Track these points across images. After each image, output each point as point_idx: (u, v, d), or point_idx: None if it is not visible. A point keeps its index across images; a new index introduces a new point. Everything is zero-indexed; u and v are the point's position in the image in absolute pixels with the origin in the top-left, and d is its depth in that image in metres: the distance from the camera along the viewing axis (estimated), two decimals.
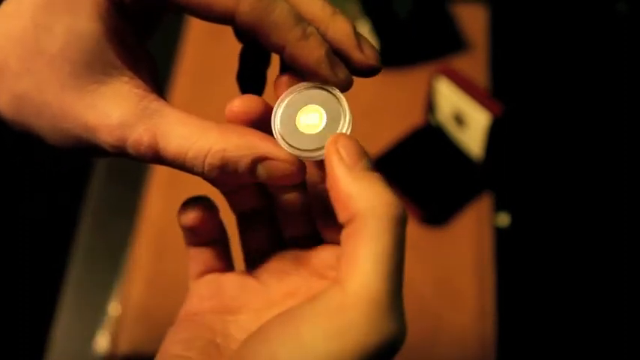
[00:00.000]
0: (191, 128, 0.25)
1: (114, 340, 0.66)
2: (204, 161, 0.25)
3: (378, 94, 0.78)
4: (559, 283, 0.70)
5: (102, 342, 0.66)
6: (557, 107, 0.82)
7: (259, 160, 0.25)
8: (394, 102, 0.79)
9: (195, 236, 0.31)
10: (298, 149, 0.26)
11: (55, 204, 0.95)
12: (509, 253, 0.70)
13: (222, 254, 0.32)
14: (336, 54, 0.26)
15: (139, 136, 0.25)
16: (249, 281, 0.31)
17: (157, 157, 0.26)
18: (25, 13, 0.25)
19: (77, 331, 0.67)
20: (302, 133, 0.26)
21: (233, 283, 0.31)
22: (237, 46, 0.32)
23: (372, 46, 0.27)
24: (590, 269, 0.71)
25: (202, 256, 0.32)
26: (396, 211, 0.23)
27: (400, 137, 0.76)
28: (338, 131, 0.26)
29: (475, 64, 0.82)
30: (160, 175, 0.74)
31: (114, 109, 0.25)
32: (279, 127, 0.26)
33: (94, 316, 0.68)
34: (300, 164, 0.26)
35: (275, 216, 0.31)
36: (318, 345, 0.22)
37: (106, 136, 0.25)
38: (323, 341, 0.22)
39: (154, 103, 0.26)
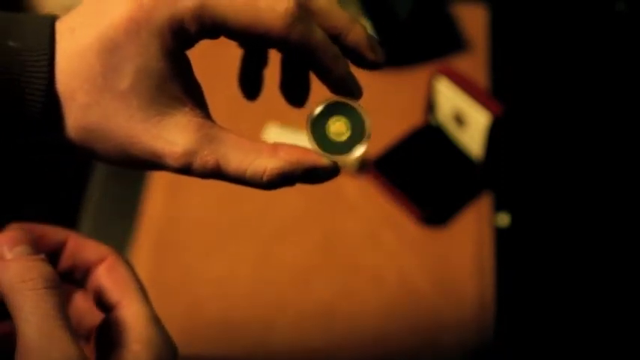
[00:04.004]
0: (246, 150, 0.30)
1: None
2: (262, 177, 0.30)
3: (378, 94, 0.78)
4: (559, 282, 0.71)
5: None
6: (557, 107, 0.82)
7: (309, 171, 0.30)
8: (394, 102, 0.79)
9: None
10: (333, 155, 0.31)
11: (55, 204, 0.95)
12: (509, 253, 0.70)
13: None
14: (354, 52, 0.32)
15: (203, 159, 0.29)
16: None
17: (220, 176, 0.30)
18: (88, 53, 0.28)
19: None
20: (333, 140, 0.31)
21: None
22: (234, 56, 0.36)
23: (380, 47, 0.33)
24: (591, 269, 0.71)
25: None
26: None
27: (400, 137, 0.76)
28: (364, 136, 0.31)
29: (475, 64, 0.82)
30: (160, 175, 0.74)
31: (178, 138, 0.29)
32: (315, 139, 0.31)
33: None
34: (337, 167, 0.31)
35: None
36: None
37: (173, 162, 0.29)
38: None
39: (212, 129, 0.30)
